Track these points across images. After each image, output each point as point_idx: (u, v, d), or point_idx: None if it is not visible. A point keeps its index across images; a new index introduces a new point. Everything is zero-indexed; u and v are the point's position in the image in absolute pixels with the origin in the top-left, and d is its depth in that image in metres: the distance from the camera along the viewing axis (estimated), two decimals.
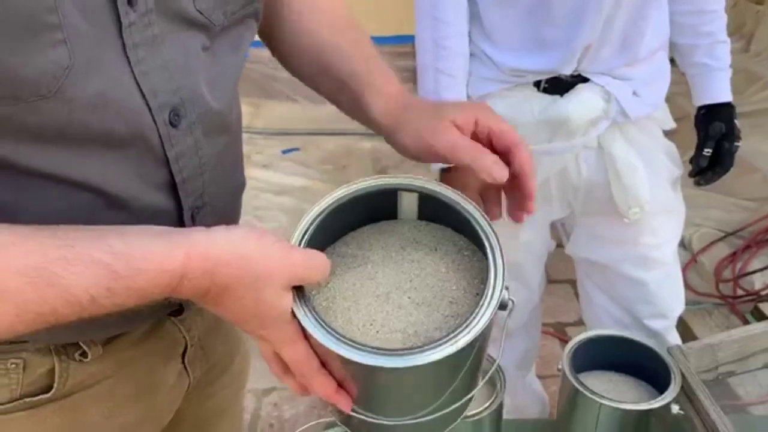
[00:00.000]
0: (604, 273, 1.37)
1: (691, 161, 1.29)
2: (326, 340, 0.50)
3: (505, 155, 0.59)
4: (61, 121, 0.49)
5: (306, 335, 0.52)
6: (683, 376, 1.06)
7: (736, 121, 1.26)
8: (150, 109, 0.54)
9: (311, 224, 0.56)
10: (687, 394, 1.07)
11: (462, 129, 0.59)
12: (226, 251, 0.48)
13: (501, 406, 0.99)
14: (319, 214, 0.57)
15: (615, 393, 1.04)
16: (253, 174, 2.80)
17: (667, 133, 1.33)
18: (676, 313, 1.38)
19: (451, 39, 1.18)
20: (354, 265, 0.58)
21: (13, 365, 0.60)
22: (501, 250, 0.56)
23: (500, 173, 0.57)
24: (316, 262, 0.52)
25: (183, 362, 0.74)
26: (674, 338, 1.38)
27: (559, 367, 1.06)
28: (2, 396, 0.59)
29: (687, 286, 2.20)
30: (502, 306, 0.54)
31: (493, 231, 0.57)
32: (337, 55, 0.69)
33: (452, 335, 0.51)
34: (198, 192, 0.61)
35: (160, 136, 0.55)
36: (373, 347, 0.50)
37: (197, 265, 0.47)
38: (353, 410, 0.56)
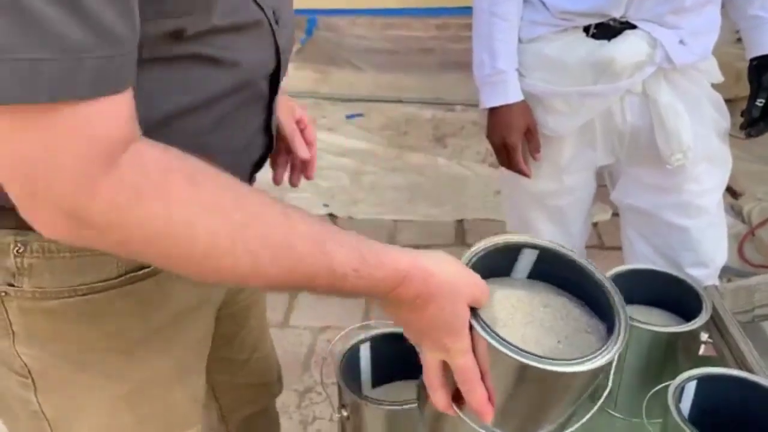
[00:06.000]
0: (648, 220, 1.39)
1: (742, 114, 1.30)
2: (501, 346, 0.61)
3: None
4: (212, 24, 0.66)
5: (474, 348, 0.63)
6: (715, 309, 1.09)
7: None
8: (264, 11, 0.73)
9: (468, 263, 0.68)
10: (718, 327, 1.11)
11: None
12: (434, 266, 0.62)
13: None
14: (474, 254, 0.69)
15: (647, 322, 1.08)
16: (318, 136, 2.89)
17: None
18: (718, 263, 1.41)
19: None
20: (504, 301, 0.70)
21: None
22: (623, 304, 0.66)
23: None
24: (485, 288, 0.65)
25: None
26: None
27: None
28: (111, 272, 0.73)
29: (743, 257, 2.21)
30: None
31: (612, 285, 0.68)
32: None
33: (599, 351, 0.62)
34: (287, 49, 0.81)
35: (271, 26, 0.75)
36: (538, 354, 0.60)
37: (417, 272, 0.61)
38: (483, 426, 0.66)
